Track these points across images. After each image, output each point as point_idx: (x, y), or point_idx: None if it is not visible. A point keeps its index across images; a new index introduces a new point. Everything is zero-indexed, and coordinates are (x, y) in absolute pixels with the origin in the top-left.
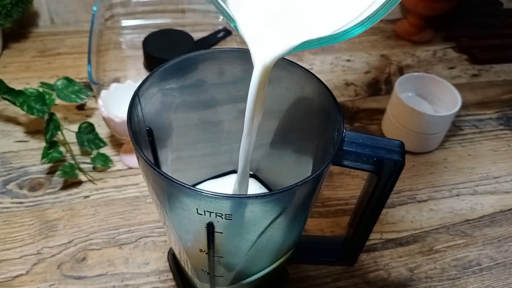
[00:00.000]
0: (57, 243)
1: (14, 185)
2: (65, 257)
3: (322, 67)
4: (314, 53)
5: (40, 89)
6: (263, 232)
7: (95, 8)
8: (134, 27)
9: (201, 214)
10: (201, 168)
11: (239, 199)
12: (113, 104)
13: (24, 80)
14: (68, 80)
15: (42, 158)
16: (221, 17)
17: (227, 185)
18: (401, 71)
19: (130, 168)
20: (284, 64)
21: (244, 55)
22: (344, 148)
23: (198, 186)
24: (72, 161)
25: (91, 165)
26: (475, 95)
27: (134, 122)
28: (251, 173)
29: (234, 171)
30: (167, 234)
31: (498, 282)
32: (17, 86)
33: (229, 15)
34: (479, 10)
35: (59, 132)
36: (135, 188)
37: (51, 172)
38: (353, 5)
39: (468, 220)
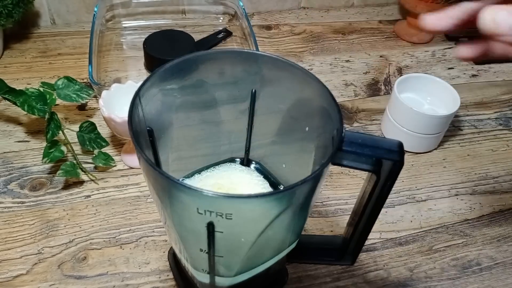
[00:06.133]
0: (57, 242)
1: (15, 185)
2: (65, 257)
3: (322, 67)
4: (314, 53)
5: (41, 89)
6: (263, 231)
7: (96, 9)
8: (135, 28)
9: (202, 214)
10: (201, 168)
11: (240, 198)
12: (114, 105)
13: (25, 80)
14: (69, 79)
15: (43, 157)
16: (221, 18)
17: (226, 174)
18: (400, 71)
19: (131, 168)
20: (284, 65)
21: (244, 56)
22: (343, 148)
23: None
24: (74, 161)
25: (92, 165)
26: (474, 95)
27: (135, 122)
28: (255, 163)
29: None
30: (167, 234)
31: (498, 281)
32: (18, 86)
33: None
34: None
35: (60, 132)
36: (136, 188)
37: (52, 171)
38: None
39: (467, 219)
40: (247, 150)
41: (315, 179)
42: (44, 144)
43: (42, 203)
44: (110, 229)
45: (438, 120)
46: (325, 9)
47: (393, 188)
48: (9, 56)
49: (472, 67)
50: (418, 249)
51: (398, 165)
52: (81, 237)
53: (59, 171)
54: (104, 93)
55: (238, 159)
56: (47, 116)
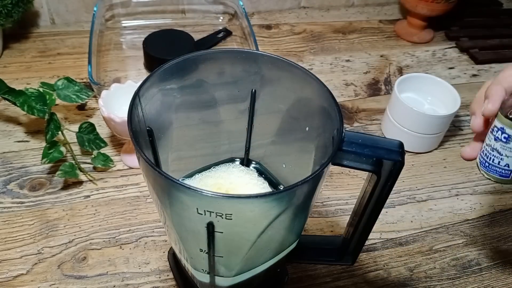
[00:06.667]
0: (57, 242)
1: (15, 185)
2: (65, 257)
3: (322, 67)
4: (314, 53)
5: (41, 89)
6: (263, 231)
7: (95, 9)
8: (134, 28)
9: (201, 214)
10: (201, 168)
11: (239, 199)
12: (114, 104)
13: (25, 80)
14: (69, 80)
15: (43, 158)
16: (221, 18)
17: (225, 174)
18: (400, 71)
19: (131, 168)
20: (284, 65)
21: (243, 56)
22: (343, 148)
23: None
24: (73, 161)
25: (91, 165)
26: (475, 95)
27: (134, 122)
28: (255, 163)
29: (233, 159)
30: (167, 234)
31: (498, 281)
32: (18, 86)
33: None
34: (479, 10)
35: (59, 132)
36: (135, 188)
37: (51, 172)
38: None
39: (468, 220)
40: (247, 150)
41: (315, 179)
42: (44, 144)
43: (42, 203)
44: (109, 229)
45: (438, 120)
46: (325, 9)
47: (393, 188)
48: (9, 56)
49: (473, 67)
50: (418, 249)
51: (398, 165)
52: (81, 237)
53: (58, 172)
54: (103, 93)
55: (238, 159)
56: (46, 116)
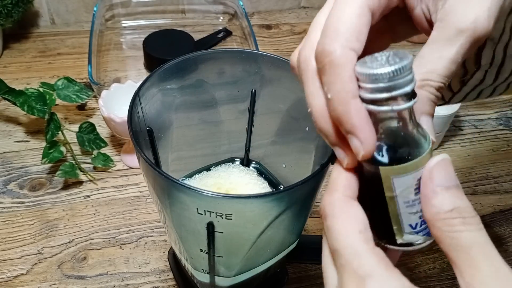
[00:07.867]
0: (57, 242)
1: (15, 185)
2: (65, 257)
3: None
4: None
5: (41, 89)
6: (263, 231)
7: (95, 9)
8: (134, 28)
9: (202, 214)
10: (201, 168)
11: (239, 199)
12: (114, 104)
13: (25, 80)
14: (69, 80)
15: (43, 158)
16: (221, 18)
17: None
18: None
19: (131, 168)
20: (284, 65)
21: (243, 56)
22: None
23: (197, 175)
24: (73, 161)
25: (91, 165)
26: None
27: (134, 122)
28: (255, 163)
29: (233, 159)
30: (167, 234)
31: None
32: (18, 86)
33: None
34: None
35: (59, 132)
36: (135, 188)
37: (51, 172)
38: None
39: None
40: (247, 150)
41: (315, 179)
42: (44, 144)
43: (42, 203)
44: (109, 229)
45: (438, 120)
46: None
47: None
48: (9, 56)
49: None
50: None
51: None
52: (81, 237)
53: (58, 172)
54: (103, 93)
55: (238, 159)
56: (46, 116)
